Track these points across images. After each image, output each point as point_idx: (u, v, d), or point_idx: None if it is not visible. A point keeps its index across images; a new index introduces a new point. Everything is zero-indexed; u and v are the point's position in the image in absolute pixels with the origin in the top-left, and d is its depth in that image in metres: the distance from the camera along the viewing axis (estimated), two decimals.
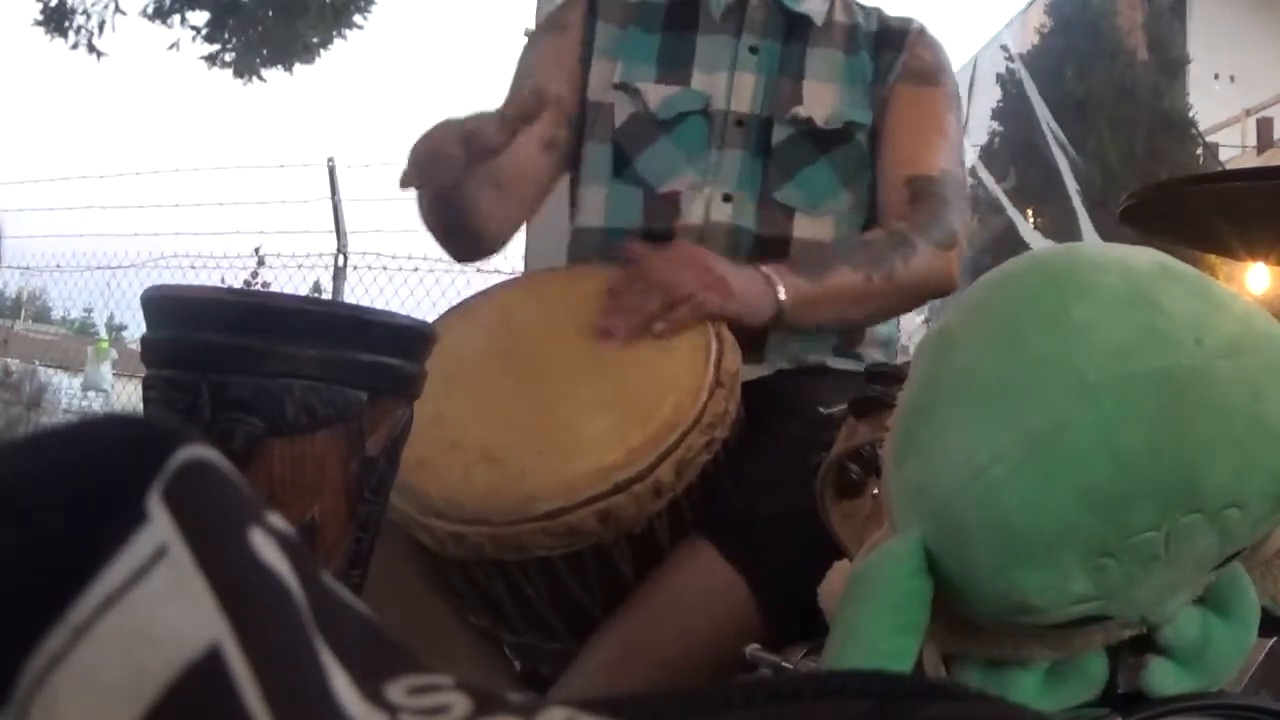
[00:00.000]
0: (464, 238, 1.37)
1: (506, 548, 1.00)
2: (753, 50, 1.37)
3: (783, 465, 1.06)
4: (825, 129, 1.32)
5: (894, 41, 1.40)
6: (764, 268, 1.18)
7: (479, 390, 1.10)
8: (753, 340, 1.24)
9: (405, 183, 1.14)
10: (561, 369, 1.11)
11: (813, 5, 1.40)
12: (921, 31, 1.42)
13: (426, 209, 1.28)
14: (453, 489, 1.02)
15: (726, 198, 1.31)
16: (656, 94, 1.35)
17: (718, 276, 1.14)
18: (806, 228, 1.30)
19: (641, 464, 1.00)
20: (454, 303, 1.27)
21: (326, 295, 5.88)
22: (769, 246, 1.29)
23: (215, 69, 8.86)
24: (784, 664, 0.86)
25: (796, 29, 1.38)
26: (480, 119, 1.13)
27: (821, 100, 1.34)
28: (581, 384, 1.09)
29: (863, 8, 1.44)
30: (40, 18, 8.56)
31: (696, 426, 1.03)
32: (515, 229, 1.42)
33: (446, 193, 1.22)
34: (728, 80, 1.35)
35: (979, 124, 11.52)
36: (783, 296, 1.16)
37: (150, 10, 8.63)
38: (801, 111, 1.33)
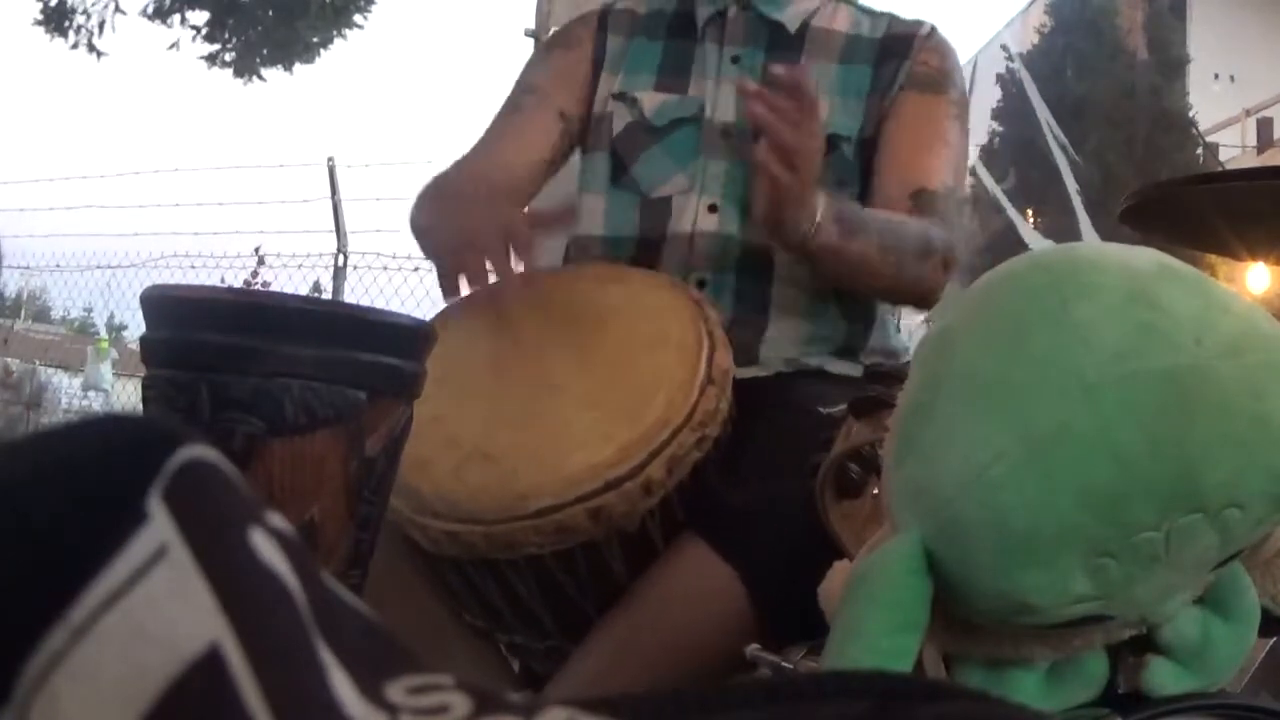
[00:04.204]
0: None
1: (498, 546, 1.01)
2: (735, 60, 1.36)
3: (777, 462, 1.06)
4: None
5: (899, 49, 1.37)
6: (824, 197, 1.16)
7: (474, 388, 1.11)
8: (747, 342, 1.24)
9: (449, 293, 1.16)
10: (555, 366, 1.11)
11: (795, 11, 1.38)
12: (930, 34, 1.39)
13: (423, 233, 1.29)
14: (446, 487, 1.02)
15: (712, 208, 1.31)
16: (652, 101, 1.36)
17: (810, 172, 1.11)
18: None
19: (632, 462, 1.00)
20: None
21: (326, 295, 5.88)
22: (756, 254, 1.28)
23: (215, 69, 8.87)
24: (784, 664, 0.86)
25: (783, 39, 1.37)
26: (514, 219, 1.16)
27: None
28: (574, 381, 1.09)
29: (870, 13, 1.41)
30: (40, 18, 8.57)
31: (688, 424, 1.03)
32: None
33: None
34: (714, 90, 1.35)
35: (979, 124, 11.51)
36: (817, 222, 1.14)
37: (150, 10, 8.64)
38: None
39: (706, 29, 1.38)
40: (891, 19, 1.41)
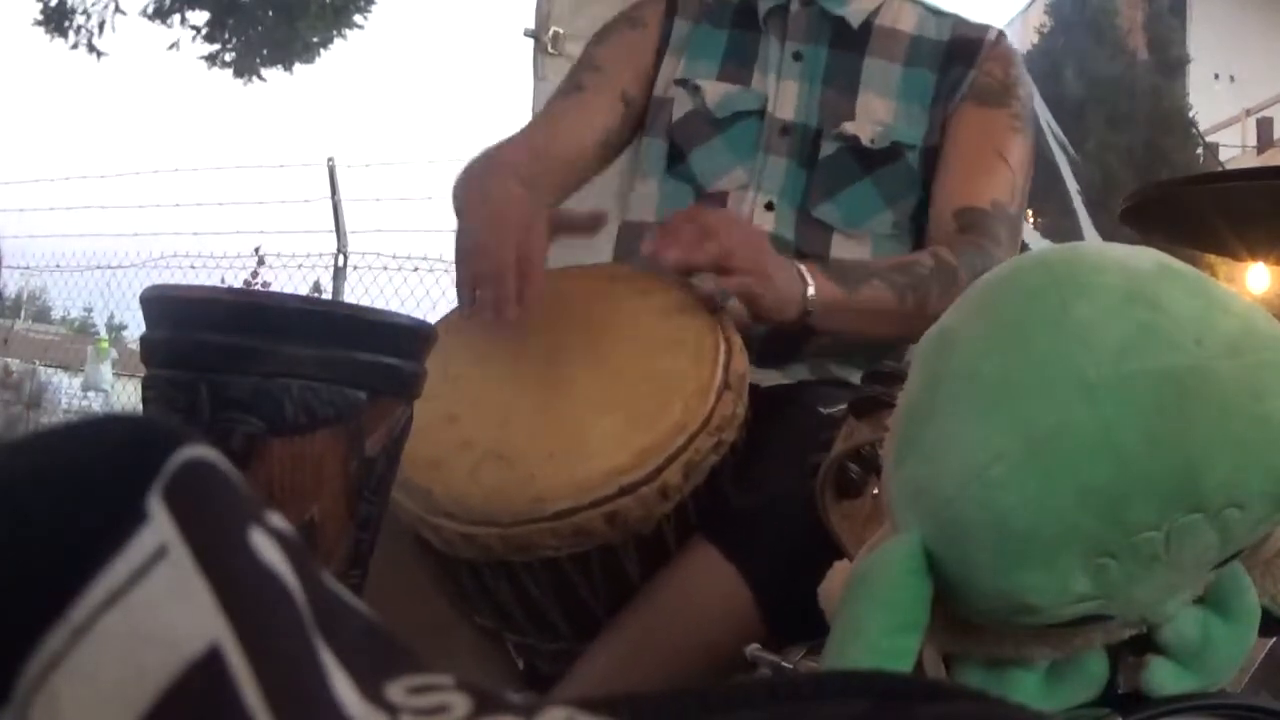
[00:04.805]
0: None
1: (514, 548, 1.01)
2: (796, 56, 1.34)
3: (785, 466, 1.06)
4: (871, 148, 1.29)
5: (964, 56, 1.34)
6: (800, 265, 1.15)
7: (488, 390, 1.10)
8: (784, 352, 1.23)
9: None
10: (571, 369, 1.11)
11: (858, 7, 1.35)
12: (997, 42, 1.35)
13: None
14: (460, 489, 1.02)
15: (769, 206, 1.29)
16: (715, 92, 1.34)
17: (763, 261, 1.11)
18: (843, 247, 1.28)
19: (649, 466, 1.00)
20: (455, 303, 1.27)
21: (326, 295, 5.88)
22: (809, 259, 1.25)
23: (215, 69, 8.87)
24: (784, 664, 0.86)
25: (846, 36, 1.34)
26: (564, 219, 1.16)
27: (872, 117, 1.30)
28: (591, 384, 1.09)
29: (937, 13, 1.38)
30: (40, 18, 8.57)
31: (705, 429, 1.03)
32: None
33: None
34: (776, 85, 1.33)
35: None
36: (812, 294, 1.13)
37: (150, 10, 8.64)
38: (849, 129, 1.29)
39: (768, 21, 1.36)
40: (957, 21, 1.38)
